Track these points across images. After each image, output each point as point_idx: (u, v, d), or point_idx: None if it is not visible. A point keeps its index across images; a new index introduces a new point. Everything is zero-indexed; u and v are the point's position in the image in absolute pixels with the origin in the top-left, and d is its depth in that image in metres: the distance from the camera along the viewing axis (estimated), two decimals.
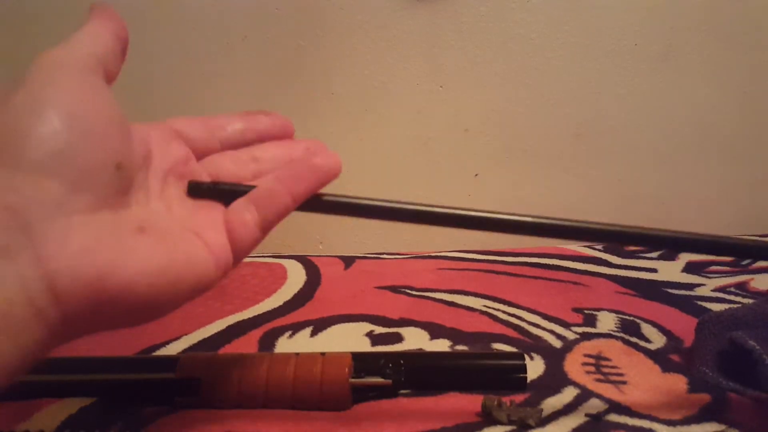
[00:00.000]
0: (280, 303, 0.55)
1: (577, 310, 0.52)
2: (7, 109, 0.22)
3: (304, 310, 0.54)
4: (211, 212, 0.28)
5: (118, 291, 0.22)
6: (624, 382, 0.40)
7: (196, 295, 0.25)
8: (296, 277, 0.62)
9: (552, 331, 0.48)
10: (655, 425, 0.35)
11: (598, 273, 0.62)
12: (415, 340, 0.47)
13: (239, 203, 0.28)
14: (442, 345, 0.46)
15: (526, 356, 0.39)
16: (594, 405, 0.37)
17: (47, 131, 0.22)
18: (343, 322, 0.51)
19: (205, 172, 0.30)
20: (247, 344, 0.47)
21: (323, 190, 0.30)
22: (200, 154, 0.31)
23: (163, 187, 0.28)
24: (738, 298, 0.54)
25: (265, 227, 0.28)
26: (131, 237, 0.24)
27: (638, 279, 0.60)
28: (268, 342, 0.47)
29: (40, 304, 0.20)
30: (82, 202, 0.22)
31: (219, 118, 0.32)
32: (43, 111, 0.22)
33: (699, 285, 0.58)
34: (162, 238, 0.25)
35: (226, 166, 0.30)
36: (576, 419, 0.35)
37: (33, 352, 0.21)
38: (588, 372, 0.41)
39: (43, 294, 0.20)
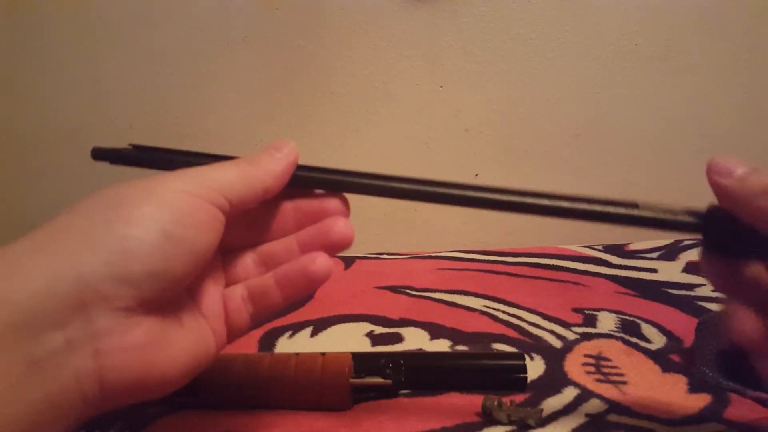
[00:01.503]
0: None
1: (577, 310, 0.52)
2: (125, 208, 0.24)
3: (304, 310, 0.54)
4: (212, 298, 0.29)
5: (156, 384, 0.24)
6: (624, 382, 0.40)
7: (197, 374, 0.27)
8: None
9: (552, 332, 0.48)
10: (655, 425, 0.35)
11: (598, 273, 0.62)
12: (415, 340, 0.47)
13: (237, 295, 0.29)
14: (442, 345, 0.46)
15: (526, 356, 0.40)
16: (594, 405, 0.37)
17: (157, 248, 0.23)
18: (343, 322, 0.51)
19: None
20: (247, 344, 0.47)
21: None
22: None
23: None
24: None
25: (256, 320, 0.29)
26: (174, 333, 0.25)
27: (638, 279, 0.60)
28: (268, 342, 0.47)
29: (88, 393, 0.22)
30: (148, 308, 0.24)
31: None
32: (164, 226, 0.24)
33: (699, 285, 0.58)
34: (193, 329, 0.26)
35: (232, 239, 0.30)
36: (576, 419, 0.35)
37: (73, 427, 0.23)
38: (588, 372, 0.41)
39: (92, 385, 0.22)
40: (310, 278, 0.28)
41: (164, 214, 0.24)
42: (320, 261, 0.28)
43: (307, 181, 0.30)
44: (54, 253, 0.22)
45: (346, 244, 0.29)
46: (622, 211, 0.29)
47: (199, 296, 0.28)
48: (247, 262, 0.30)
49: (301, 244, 0.29)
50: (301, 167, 0.29)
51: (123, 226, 0.23)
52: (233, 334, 0.29)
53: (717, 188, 0.27)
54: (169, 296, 0.25)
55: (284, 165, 0.28)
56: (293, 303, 0.30)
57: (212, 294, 0.29)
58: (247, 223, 0.30)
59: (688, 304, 0.53)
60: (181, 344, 0.25)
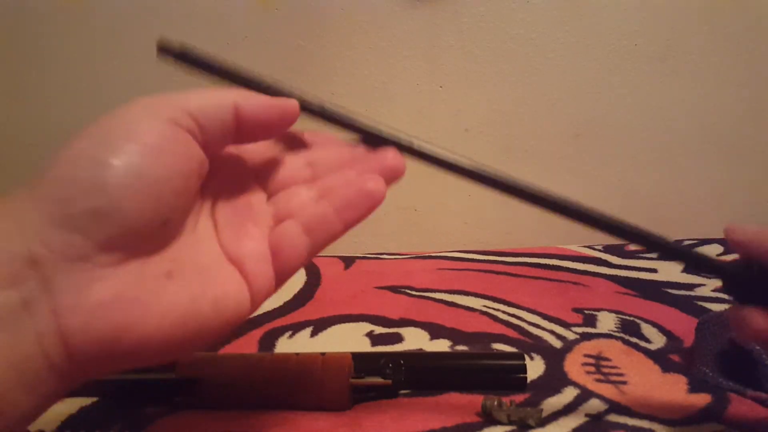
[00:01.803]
0: (280, 303, 0.55)
1: (577, 310, 0.52)
2: (72, 145, 0.21)
3: (304, 310, 0.54)
4: (256, 233, 0.26)
5: (133, 347, 0.21)
6: (624, 382, 0.40)
7: (226, 333, 0.24)
8: (296, 277, 0.62)
9: (552, 331, 0.48)
10: (655, 425, 0.35)
11: (598, 273, 0.62)
12: (415, 340, 0.47)
13: (290, 231, 0.26)
14: (442, 345, 0.46)
15: (526, 356, 0.40)
16: (594, 405, 0.37)
17: (95, 184, 0.21)
18: (343, 322, 0.51)
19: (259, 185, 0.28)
20: (247, 344, 0.47)
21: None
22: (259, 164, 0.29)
23: (212, 210, 0.27)
24: None
25: (313, 253, 0.27)
26: (155, 287, 0.22)
27: (638, 279, 0.60)
28: (268, 342, 0.47)
29: (54, 358, 0.20)
30: (109, 258, 0.21)
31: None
32: (105, 157, 0.21)
33: (699, 285, 0.58)
34: (190, 281, 0.23)
35: (282, 173, 0.28)
36: (576, 419, 0.35)
37: (46, 400, 0.21)
38: (588, 372, 0.41)
39: (57, 348, 0.20)
40: (370, 196, 0.26)
41: (100, 142, 0.21)
42: (375, 179, 0.27)
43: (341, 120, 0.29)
44: (4, 212, 0.21)
45: (400, 170, 0.28)
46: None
47: (229, 231, 0.26)
48: (302, 196, 0.27)
49: (358, 173, 0.28)
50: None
51: (55, 168, 0.21)
52: (285, 272, 0.26)
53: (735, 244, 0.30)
54: (140, 242, 0.22)
55: (269, 101, 0.26)
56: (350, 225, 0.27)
57: (250, 228, 0.26)
58: (298, 160, 0.29)
59: (688, 304, 0.53)
60: (169, 302, 0.22)
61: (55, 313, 0.20)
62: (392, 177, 0.28)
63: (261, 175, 0.28)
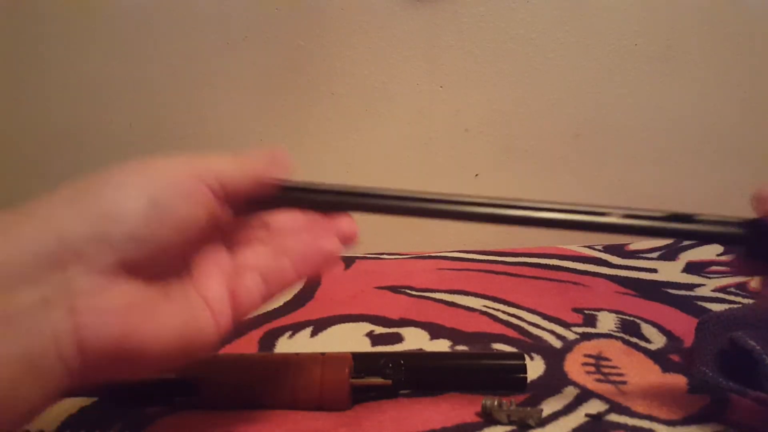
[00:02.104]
0: (280, 303, 0.55)
1: (577, 310, 0.52)
2: (121, 173, 0.25)
3: (304, 310, 0.54)
4: (214, 280, 0.29)
5: (135, 353, 0.24)
6: (624, 382, 0.40)
7: (197, 357, 0.27)
8: None
9: (552, 331, 0.48)
10: (655, 425, 0.35)
11: (598, 273, 0.62)
12: (415, 340, 0.47)
13: (248, 278, 0.29)
14: (442, 345, 0.46)
15: (526, 356, 0.39)
16: (594, 405, 0.37)
17: (139, 214, 0.24)
18: (343, 322, 0.51)
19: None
20: (247, 344, 0.47)
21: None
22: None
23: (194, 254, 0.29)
24: (738, 298, 0.54)
25: (267, 299, 0.30)
26: (157, 304, 0.25)
27: (638, 279, 0.60)
28: (268, 342, 0.47)
29: (67, 354, 0.22)
30: (126, 273, 0.24)
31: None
32: (152, 195, 0.25)
33: (699, 285, 0.58)
34: (182, 306, 0.27)
35: (244, 233, 0.31)
36: (576, 419, 0.35)
37: (54, 395, 0.23)
38: (588, 372, 0.41)
39: (70, 346, 0.22)
40: (325, 254, 0.30)
41: (151, 182, 0.25)
42: (331, 240, 0.30)
43: (303, 202, 0.31)
44: (39, 216, 0.23)
45: (352, 236, 0.31)
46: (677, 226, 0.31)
47: (200, 276, 0.28)
48: (259, 252, 0.30)
49: (312, 236, 0.30)
50: (298, 188, 0.31)
51: (109, 192, 0.24)
52: (240, 314, 0.29)
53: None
54: (154, 265, 0.25)
55: (274, 160, 0.30)
56: (300, 294, 0.31)
57: (215, 276, 0.29)
58: (258, 224, 0.31)
59: (688, 304, 0.53)
60: (166, 318, 0.25)
61: (71, 311, 0.22)
62: (345, 243, 0.31)
63: (226, 232, 0.31)
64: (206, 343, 0.27)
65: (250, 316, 0.29)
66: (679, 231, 0.31)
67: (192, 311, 0.27)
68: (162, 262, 0.26)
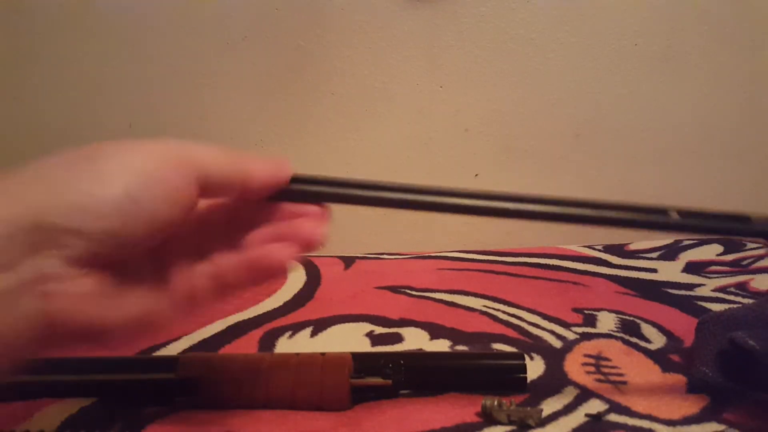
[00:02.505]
0: (281, 303, 0.55)
1: (577, 310, 0.52)
2: (105, 161, 0.25)
3: (304, 310, 0.54)
4: (182, 274, 0.29)
5: (98, 335, 0.25)
6: (624, 382, 0.40)
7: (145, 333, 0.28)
8: (296, 277, 0.62)
9: (552, 331, 0.48)
10: (655, 425, 0.35)
11: (598, 273, 0.62)
12: (415, 340, 0.47)
13: (204, 272, 0.29)
14: (442, 345, 0.46)
15: (526, 356, 0.39)
16: (594, 405, 0.37)
17: (121, 210, 0.24)
18: (343, 322, 0.51)
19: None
20: (247, 344, 0.47)
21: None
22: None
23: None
24: (738, 298, 0.54)
25: (216, 299, 0.29)
26: (123, 292, 0.26)
27: (638, 279, 0.60)
28: (268, 342, 0.47)
29: (40, 334, 0.23)
30: (97, 263, 0.25)
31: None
32: (115, 185, 0.24)
33: (699, 285, 0.58)
34: (146, 294, 0.27)
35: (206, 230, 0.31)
36: (576, 419, 0.35)
37: (21, 364, 0.24)
38: (588, 372, 0.41)
39: (41, 328, 0.23)
40: (265, 266, 0.29)
41: (131, 177, 0.24)
42: (278, 252, 0.29)
43: (292, 195, 0.30)
44: (17, 197, 0.23)
45: (314, 243, 0.30)
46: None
47: (169, 268, 0.29)
48: (223, 251, 0.30)
49: (274, 237, 0.30)
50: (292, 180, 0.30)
51: (88, 183, 0.24)
52: (196, 307, 0.29)
53: None
54: (126, 257, 0.26)
55: (271, 172, 0.29)
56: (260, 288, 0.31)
57: (182, 269, 0.29)
58: (232, 220, 0.31)
59: (688, 304, 0.53)
60: (130, 306, 0.26)
61: (43, 296, 0.23)
62: (306, 247, 0.30)
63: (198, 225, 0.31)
64: (160, 328, 0.28)
65: (199, 312, 0.30)
66: (741, 231, 0.32)
67: (154, 299, 0.27)
68: (132, 255, 0.26)
